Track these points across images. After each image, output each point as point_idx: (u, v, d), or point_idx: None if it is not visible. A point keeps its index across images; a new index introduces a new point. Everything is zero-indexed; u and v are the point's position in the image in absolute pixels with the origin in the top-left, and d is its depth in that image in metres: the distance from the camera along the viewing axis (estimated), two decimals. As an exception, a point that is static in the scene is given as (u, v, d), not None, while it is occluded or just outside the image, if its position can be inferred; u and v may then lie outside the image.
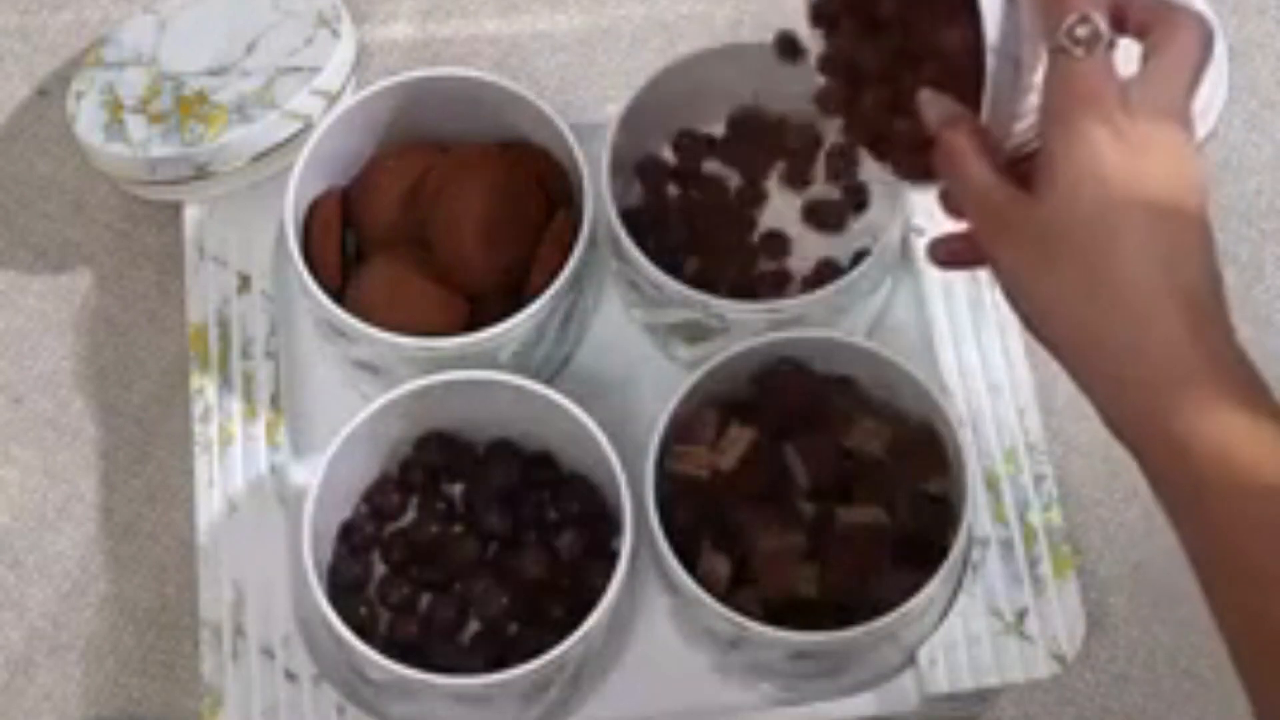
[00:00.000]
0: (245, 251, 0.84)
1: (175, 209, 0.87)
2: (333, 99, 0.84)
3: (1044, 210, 0.58)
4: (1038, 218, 0.58)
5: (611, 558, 0.73)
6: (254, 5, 0.87)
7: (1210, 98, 0.85)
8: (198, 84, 0.85)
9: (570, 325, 0.81)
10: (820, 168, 0.83)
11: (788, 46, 0.69)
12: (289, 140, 0.83)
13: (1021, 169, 0.60)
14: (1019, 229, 0.59)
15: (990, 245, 0.60)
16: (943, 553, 0.72)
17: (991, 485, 0.78)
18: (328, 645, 0.76)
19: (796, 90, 0.70)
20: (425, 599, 0.78)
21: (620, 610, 0.74)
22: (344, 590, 0.77)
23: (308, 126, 0.83)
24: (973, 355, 0.81)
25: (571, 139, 0.79)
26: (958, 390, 0.80)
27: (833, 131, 0.81)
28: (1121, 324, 0.57)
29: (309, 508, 0.73)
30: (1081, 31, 0.58)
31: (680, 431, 0.75)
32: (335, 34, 0.85)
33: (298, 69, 0.84)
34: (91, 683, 0.82)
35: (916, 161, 0.64)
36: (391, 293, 0.79)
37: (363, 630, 0.73)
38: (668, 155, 0.84)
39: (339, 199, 0.82)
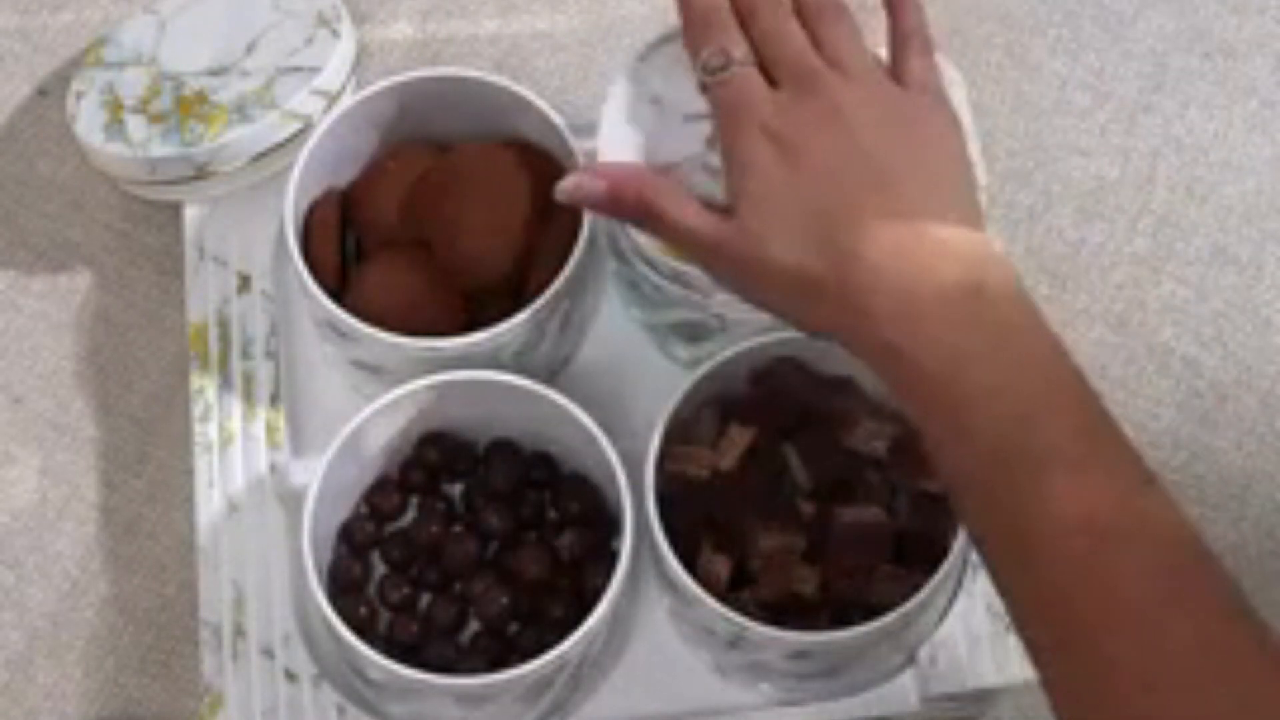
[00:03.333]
0: (245, 251, 0.84)
1: (175, 209, 0.87)
2: (333, 99, 0.84)
3: (731, 231, 0.65)
4: (731, 241, 0.66)
5: (611, 558, 0.73)
6: (254, 5, 0.87)
7: None
8: (198, 84, 0.85)
9: (570, 325, 0.81)
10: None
11: None
12: (289, 140, 0.83)
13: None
14: (723, 253, 0.66)
15: (709, 269, 0.68)
16: (943, 553, 0.72)
17: (991, 485, 0.78)
18: (328, 645, 0.76)
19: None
20: (425, 599, 0.78)
21: (620, 610, 0.74)
22: (344, 590, 0.77)
23: (308, 126, 0.83)
24: (973, 355, 0.81)
25: (571, 139, 0.79)
26: (958, 390, 0.80)
27: None
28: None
29: (309, 507, 0.73)
30: (714, 61, 0.68)
31: (680, 431, 0.75)
32: (335, 34, 0.85)
33: (298, 69, 0.84)
34: (91, 683, 0.82)
35: None
36: (391, 293, 0.79)
37: (363, 630, 0.73)
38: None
39: (339, 199, 0.82)
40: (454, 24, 0.96)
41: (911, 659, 0.76)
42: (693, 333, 0.78)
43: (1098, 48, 0.95)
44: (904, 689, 0.76)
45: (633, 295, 0.80)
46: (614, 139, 0.75)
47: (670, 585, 0.73)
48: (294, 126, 0.83)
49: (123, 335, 0.89)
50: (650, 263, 0.74)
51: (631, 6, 0.97)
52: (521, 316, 0.76)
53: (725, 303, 0.73)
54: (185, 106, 0.84)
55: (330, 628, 0.72)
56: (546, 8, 0.97)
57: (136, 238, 0.91)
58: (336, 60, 0.85)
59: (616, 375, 0.83)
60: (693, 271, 0.72)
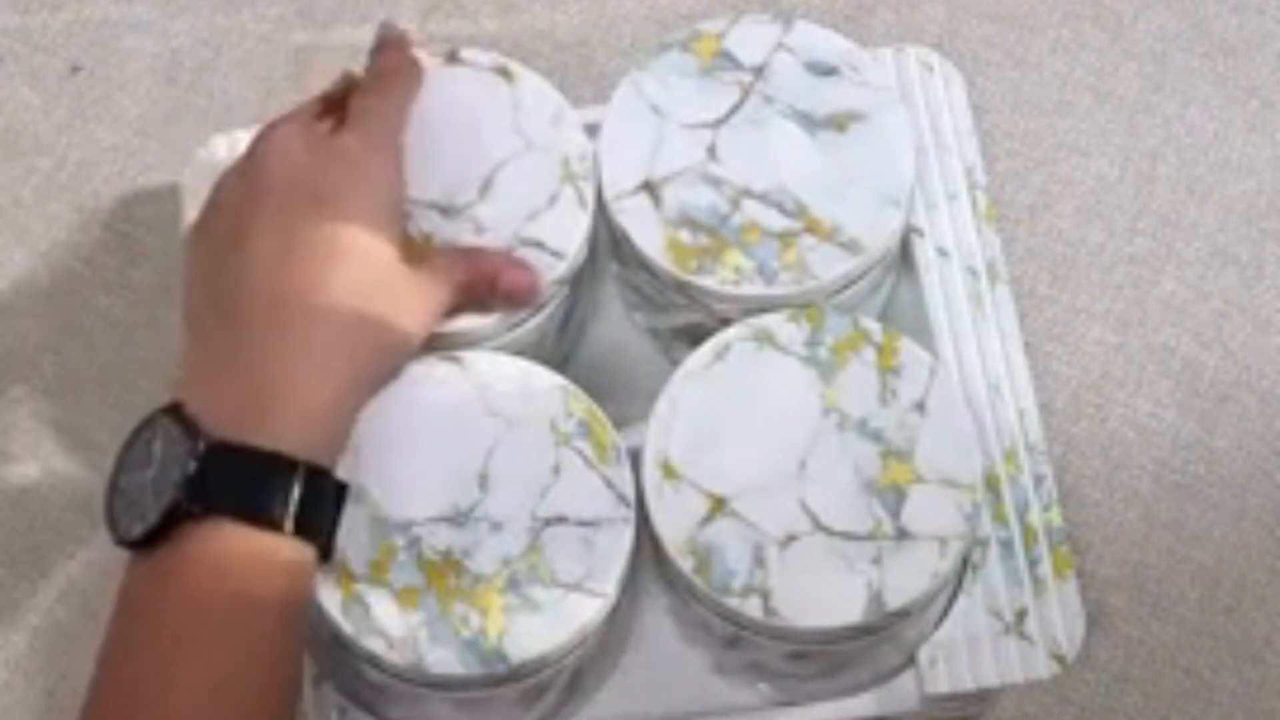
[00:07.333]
0: (245, 252, 0.84)
1: (175, 209, 0.87)
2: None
3: None
4: None
5: (612, 558, 0.73)
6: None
7: None
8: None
9: (570, 325, 0.81)
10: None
11: None
12: None
13: None
14: None
15: None
16: (942, 553, 0.72)
17: (991, 485, 0.78)
18: (328, 645, 0.76)
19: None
20: (425, 599, 0.78)
21: (620, 610, 0.74)
22: (344, 590, 0.77)
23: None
24: (973, 355, 0.81)
25: (572, 140, 0.79)
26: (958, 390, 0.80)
27: None
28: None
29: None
30: None
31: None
32: (582, 202, 0.75)
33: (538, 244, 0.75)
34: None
35: None
36: (392, 293, 0.79)
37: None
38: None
39: (339, 199, 0.81)
40: (454, 24, 0.96)
41: (911, 659, 0.76)
42: (696, 335, 0.78)
43: (1098, 48, 0.95)
44: (904, 689, 0.76)
45: (636, 299, 0.80)
46: (614, 148, 0.75)
47: (668, 583, 0.73)
48: None
49: (123, 335, 0.89)
50: (653, 270, 0.74)
51: (631, 6, 0.97)
52: (522, 317, 0.76)
53: (730, 307, 0.73)
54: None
55: (330, 627, 0.72)
56: (546, 8, 0.97)
57: (137, 238, 0.91)
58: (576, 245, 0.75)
59: (617, 376, 0.83)
60: (696, 281, 0.72)
